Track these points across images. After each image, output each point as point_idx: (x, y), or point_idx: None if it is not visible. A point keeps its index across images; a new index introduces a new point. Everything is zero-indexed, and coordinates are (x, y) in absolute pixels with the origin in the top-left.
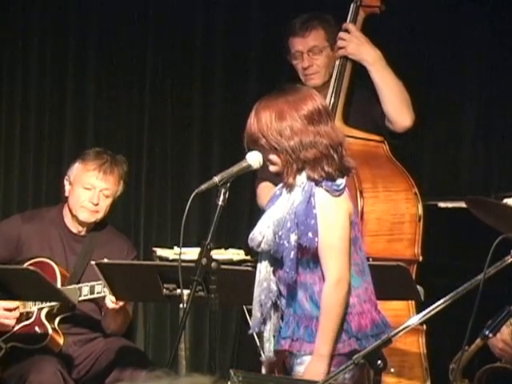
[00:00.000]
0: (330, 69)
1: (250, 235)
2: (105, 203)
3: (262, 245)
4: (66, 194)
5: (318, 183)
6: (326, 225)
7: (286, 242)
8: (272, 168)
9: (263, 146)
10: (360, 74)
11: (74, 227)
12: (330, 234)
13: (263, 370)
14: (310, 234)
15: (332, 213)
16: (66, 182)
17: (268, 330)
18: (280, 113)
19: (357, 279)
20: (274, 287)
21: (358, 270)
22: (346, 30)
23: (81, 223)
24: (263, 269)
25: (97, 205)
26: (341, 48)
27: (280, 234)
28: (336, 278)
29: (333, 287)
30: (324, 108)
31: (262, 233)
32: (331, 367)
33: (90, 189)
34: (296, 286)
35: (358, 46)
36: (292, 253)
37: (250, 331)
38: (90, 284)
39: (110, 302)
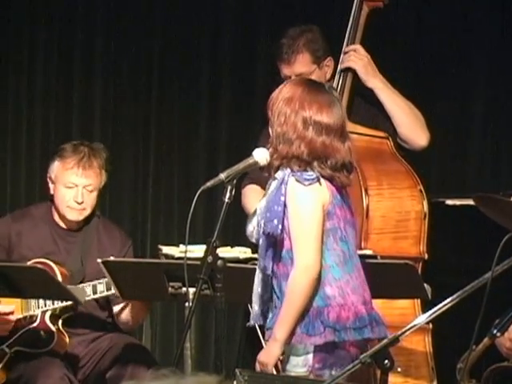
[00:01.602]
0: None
1: (246, 226)
2: (90, 198)
3: (254, 235)
4: (51, 192)
5: (291, 172)
6: (295, 213)
7: (260, 230)
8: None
9: (271, 115)
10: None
11: (64, 224)
12: (298, 221)
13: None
14: (275, 221)
15: (300, 200)
16: (48, 181)
17: None
18: (301, 103)
19: (337, 270)
20: (274, 281)
21: (338, 261)
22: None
23: (70, 221)
24: None
25: (82, 202)
26: (349, 61)
27: (261, 222)
28: (303, 265)
29: (299, 273)
30: (338, 127)
31: (252, 223)
32: (315, 364)
33: (72, 187)
34: (281, 278)
35: (367, 66)
36: (261, 240)
37: (247, 324)
38: (91, 283)
39: None
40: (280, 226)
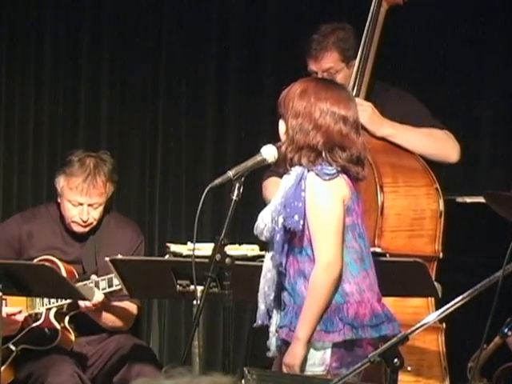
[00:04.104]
0: (346, 83)
1: (255, 224)
2: (96, 213)
3: (265, 232)
4: (58, 200)
5: (309, 168)
6: (315, 208)
7: (276, 226)
8: (280, 133)
9: (284, 111)
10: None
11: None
12: (319, 217)
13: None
14: (296, 217)
15: (321, 196)
16: (56, 186)
17: (273, 324)
18: (317, 95)
19: (354, 267)
20: (283, 277)
21: (356, 258)
22: None
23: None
24: (269, 259)
25: (87, 220)
26: None
27: (276, 218)
28: (324, 262)
29: (321, 270)
30: (354, 120)
31: (264, 220)
32: (332, 362)
33: (76, 206)
34: (295, 275)
35: (372, 117)
36: (278, 235)
37: (254, 324)
38: (107, 277)
39: (83, 304)
40: (302, 222)
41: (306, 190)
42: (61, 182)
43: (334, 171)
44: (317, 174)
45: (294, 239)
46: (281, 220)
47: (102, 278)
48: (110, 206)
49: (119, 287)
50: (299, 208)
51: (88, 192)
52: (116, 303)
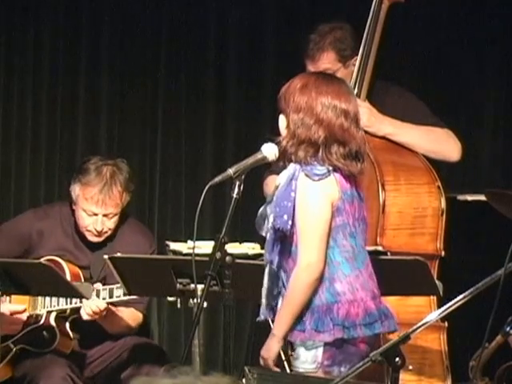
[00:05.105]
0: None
1: (256, 219)
2: (110, 223)
3: (264, 228)
4: (73, 207)
5: (302, 167)
6: (303, 209)
7: (269, 224)
8: (281, 128)
9: (285, 106)
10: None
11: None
12: (304, 218)
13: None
14: (284, 217)
15: (309, 197)
16: (71, 193)
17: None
18: (318, 89)
19: (346, 266)
20: (283, 275)
21: (348, 257)
22: None
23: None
24: None
25: (101, 230)
26: None
27: (270, 216)
28: (305, 262)
29: (301, 271)
30: (354, 114)
31: (262, 216)
32: (324, 360)
33: (91, 215)
34: (291, 273)
35: (370, 118)
36: (268, 234)
37: (257, 318)
38: (108, 287)
39: (85, 313)
40: (290, 222)
41: (297, 190)
42: (76, 191)
43: (325, 171)
44: (306, 175)
45: (287, 239)
46: (271, 219)
47: (104, 287)
48: (125, 213)
49: (120, 298)
50: (288, 208)
51: (104, 203)
52: (122, 309)
